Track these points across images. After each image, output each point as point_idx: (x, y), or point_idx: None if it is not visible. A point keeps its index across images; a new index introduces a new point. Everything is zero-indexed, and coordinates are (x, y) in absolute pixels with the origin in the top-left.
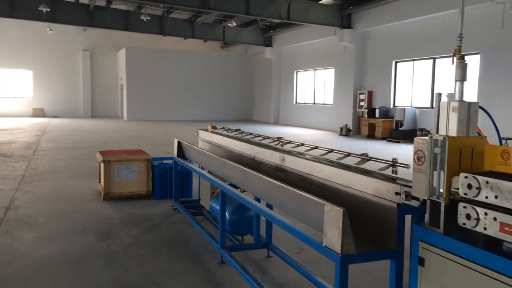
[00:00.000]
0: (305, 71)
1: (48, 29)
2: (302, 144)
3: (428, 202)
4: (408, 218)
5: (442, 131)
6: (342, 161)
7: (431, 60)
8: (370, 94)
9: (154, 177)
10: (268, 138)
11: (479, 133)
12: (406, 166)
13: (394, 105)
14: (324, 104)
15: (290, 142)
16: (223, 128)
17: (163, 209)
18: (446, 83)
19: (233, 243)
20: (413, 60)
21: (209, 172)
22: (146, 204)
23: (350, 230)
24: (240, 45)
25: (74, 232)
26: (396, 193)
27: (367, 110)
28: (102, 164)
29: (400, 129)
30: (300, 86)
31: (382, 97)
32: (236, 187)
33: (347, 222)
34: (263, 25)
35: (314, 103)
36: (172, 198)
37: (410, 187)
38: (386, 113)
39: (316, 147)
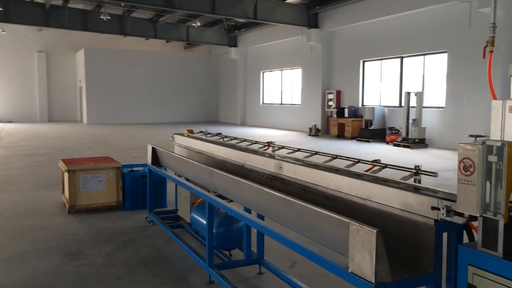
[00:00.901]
0: (272, 71)
1: (0, 30)
2: (299, 150)
3: (480, 219)
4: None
5: (495, 135)
6: (351, 168)
7: (399, 59)
8: (338, 93)
9: (125, 186)
10: (256, 142)
11: None
12: (433, 174)
13: (362, 105)
14: (292, 104)
15: (283, 147)
16: (201, 132)
17: (137, 222)
18: (414, 82)
19: (221, 260)
20: (381, 59)
21: (187, 180)
22: (117, 217)
23: (385, 255)
24: (204, 46)
25: (37, 252)
26: (433, 208)
27: (336, 110)
28: (66, 174)
29: (369, 128)
30: (266, 86)
31: (351, 97)
32: (224, 198)
33: (382, 246)
34: (228, 25)
35: (281, 103)
36: (145, 208)
37: (451, 200)
38: (355, 113)
39: (316, 153)
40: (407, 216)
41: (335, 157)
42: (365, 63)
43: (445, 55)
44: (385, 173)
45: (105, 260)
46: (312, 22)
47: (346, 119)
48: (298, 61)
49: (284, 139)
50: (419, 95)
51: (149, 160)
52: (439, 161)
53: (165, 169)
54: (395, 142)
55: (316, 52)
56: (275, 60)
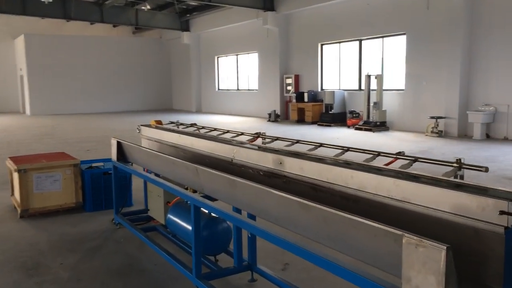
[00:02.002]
0: (227, 56)
1: None
2: (298, 141)
3: None
4: None
5: None
6: (371, 163)
7: (358, 42)
8: (297, 78)
9: (85, 185)
10: (242, 134)
11: None
12: (482, 169)
13: (322, 89)
14: (249, 90)
15: (277, 138)
16: (172, 123)
17: (101, 224)
18: (373, 64)
19: (207, 268)
20: (339, 42)
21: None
22: (78, 220)
23: (455, 276)
24: (154, 30)
25: None
26: (502, 213)
27: (295, 95)
28: (16, 174)
29: (330, 112)
30: (222, 72)
31: (310, 81)
32: (211, 199)
33: (452, 266)
34: (180, 8)
35: (238, 89)
36: (108, 209)
37: None
38: (315, 97)
39: (321, 145)
40: (464, 223)
41: (346, 149)
42: (324, 46)
43: (403, 37)
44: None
45: (71, 274)
46: (268, 5)
47: (306, 104)
48: (254, 46)
49: (244, 125)
50: (379, 78)
51: (114, 156)
52: (405, 144)
53: (131, 164)
54: (357, 126)
55: (272, 35)
56: (230, 44)
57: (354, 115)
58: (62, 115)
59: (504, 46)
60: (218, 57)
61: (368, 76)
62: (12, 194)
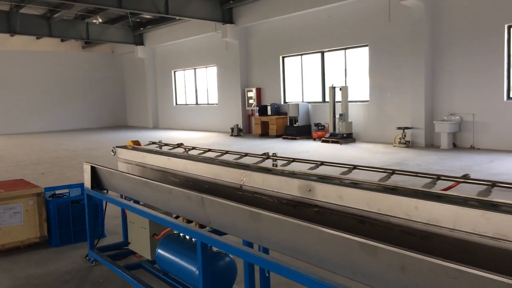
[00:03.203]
0: (184, 70)
1: None
2: (322, 164)
3: None
4: None
5: None
6: (433, 189)
7: (320, 54)
8: (258, 91)
9: (50, 216)
10: (246, 155)
11: None
12: None
13: (285, 101)
14: (208, 104)
15: (293, 160)
16: (153, 143)
17: (73, 262)
18: (336, 76)
19: None
20: (301, 54)
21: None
22: (45, 257)
23: None
24: (105, 45)
25: None
26: None
27: (257, 108)
28: None
29: (295, 125)
30: (179, 86)
31: (272, 94)
32: (220, 233)
33: None
34: (133, 22)
35: (197, 103)
36: (77, 242)
37: None
38: (278, 110)
39: (354, 167)
40: None
41: (391, 172)
42: (285, 58)
43: (366, 49)
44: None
45: None
46: (227, 18)
47: (269, 117)
48: (212, 59)
49: (207, 141)
50: (344, 90)
51: (87, 183)
52: (377, 156)
53: (107, 191)
54: (323, 138)
55: (232, 48)
56: (187, 58)
57: (319, 127)
58: (8, 135)
59: (466, 56)
60: (175, 71)
61: (333, 88)
62: None
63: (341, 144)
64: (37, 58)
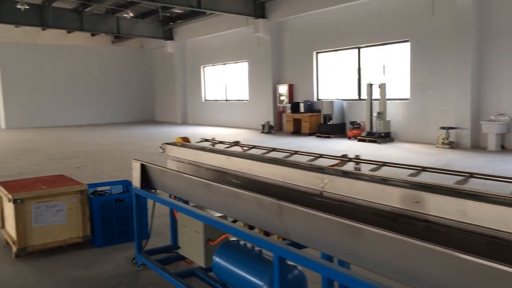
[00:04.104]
0: (214, 65)
1: None
2: (424, 169)
3: None
4: None
5: None
6: None
7: (356, 50)
8: (290, 87)
9: (93, 215)
10: (321, 156)
11: None
12: None
13: (318, 98)
14: (238, 100)
15: (384, 164)
16: (205, 140)
17: (118, 265)
18: (373, 73)
19: None
20: (336, 50)
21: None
22: (89, 259)
23: None
24: (134, 39)
25: None
26: None
27: (289, 105)
28: (10, 205)
29: (328, 123)
30: (208, 82)
31: (304, 90)
32: (300, 246)
33: None
34: (163, 16)
35: (226, 99)
36: (122, 242)
37: None
38: (311, 107)
39: (471, 175)
40: None
41: (469, 175)
42: (319, 54)
43: (407, 45)
44: None
45: None
46: (259, 12)
47: (302, 114)
48: (243, 54)
49: (238, 138)
50: (383, 87)
51: (136, 182)
52: (421, 157)
53: (155, 190)
54: (360, 137)
55: (263, 44)
56: (217, 53)
57: (355, 125)
58: (40, 128)
59: None
60: (204, 67)
61: (370, 85)
62: (3, 226)
63: (378, 143)
64: (67, 52)
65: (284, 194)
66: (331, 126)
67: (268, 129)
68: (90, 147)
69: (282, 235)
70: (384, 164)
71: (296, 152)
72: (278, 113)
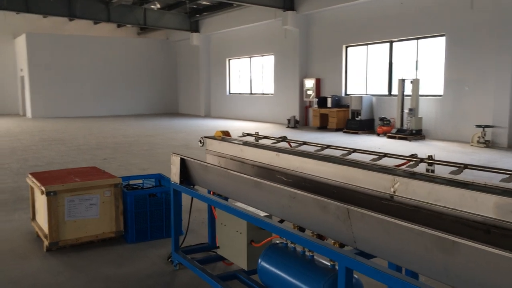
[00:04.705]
0: (239, 58)
1: None
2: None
3: None
4: None
5: None
6: None
7: (388, 44)
8: (318, 82)
9: (127, 210)
10: (387, 155)
11: None
12: None
13: (346, 93)
14: (263, 94)
15: (466, 166)
16: (248, 134)
17: (153, 263)
18: (404, 68)
19: None
20: (367, 44)
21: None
22: (122, 255)
23: None
24: (159, 31)
25: None
26: None
27: (316, 100)
28: (43, 197)
29: (357, 119)
30: (233, 75)
31: (332, 85)
32: (368, 256)
33: None
34: (190, 8)
35: (251, 93)
36: (155, 239)
37: None
38: (339, 102)
39: None
40: None
41: None
42: (348, 48)
43: (442, 39)
44: None
45: None
46: (288, 4)
47: (329, 110)
48: (270, 47)
49: (263, 132)
50: (415, 82)
51: (175, 177)
52: (455, 156)
53: (193, 186)
54: (389, 134)
55: (291, 37)
56: (243, 46)
57: (385, 122)
58: (65, 118)
59: None
60: (229, 59)
61: (402, 81)
62: (33, 218)
63: (409, 141)
64: (94, 43)
65: (346, 197)
66: (360, 122)
67: (294, 124)
68: (117, 138)
69: (348, 243)
70: (466, 166)
71: (354, 150)
72: (305, 108)
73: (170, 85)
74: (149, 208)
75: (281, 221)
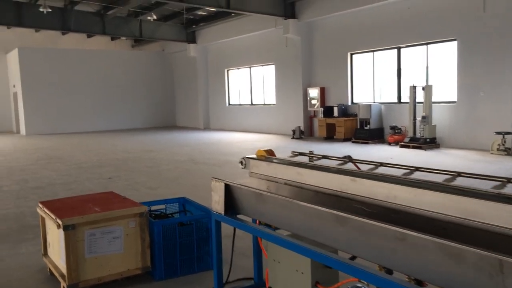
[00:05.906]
0: (238, 68)
1: None
2: None
3: None
4: None
5: None
6: None
7: (395, 50)
8: (322, 91)
9: (154, 242)
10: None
11: None
12: None
13: (352, 102)
14: (264, 104)
15: None
16: (300, 154)
17: None
18: (414, 74)
19: None
20: (373, 51)
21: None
22: None
23: None
24: (154, 43)
25: None
26: None
27: (321, 109)
28: (59, 231)
29: (365, 128)
30: (232, 86)
31: (337, 94)
32: None
33: None
34: (186, 19)
35: (251, 103)
36: (186, 274)
37: None
38: (345, 111)
39: None
40: None
41: None
42: (353, 55)
43: (454, 44)
44: None
45: None
46: (289, 12)
47: (336, 119)
48: (270, 57)
49: (267, 144)
50: (428, 89)
51: (219, 207)
52: (478, 165)
53: (238, 214)
54: (402, 143)
55: (292, 45)
56: (242, 56)
57: (396, 130)
58: (60, 135)
59: None
60: (228, 70)
61: (414, 87)
62: (45, 253)
63: (424, 150)
64: (88, 56)
65: (465, 236)
66: (369, 131)
67: (299, 135)
68: (117, 154)
69: None
70: None
71: (459, 174)
72: (309, 118)
73: (167, 98)
74: (178, 239)
75: (353, 258)
